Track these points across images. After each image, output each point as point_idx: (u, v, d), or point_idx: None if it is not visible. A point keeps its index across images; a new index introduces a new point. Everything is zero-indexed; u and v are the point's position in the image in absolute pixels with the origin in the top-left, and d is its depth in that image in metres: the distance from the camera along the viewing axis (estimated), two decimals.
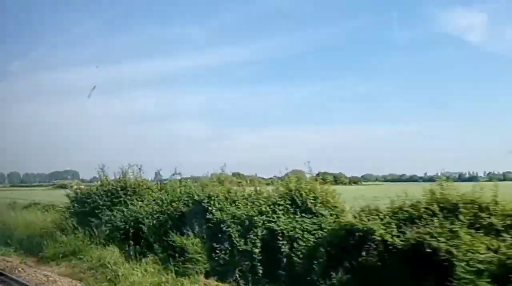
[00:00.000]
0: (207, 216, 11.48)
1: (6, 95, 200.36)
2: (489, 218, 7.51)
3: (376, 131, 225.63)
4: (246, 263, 10.34)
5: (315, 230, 9.75)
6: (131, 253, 12.52)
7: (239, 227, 10.79)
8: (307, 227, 9.82)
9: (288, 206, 10.55)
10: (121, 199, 14.78)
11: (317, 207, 10.23)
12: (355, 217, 9.27)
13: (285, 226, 10.02)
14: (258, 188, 11.99)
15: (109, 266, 11.63)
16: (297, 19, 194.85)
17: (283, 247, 9.79)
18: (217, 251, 10.81)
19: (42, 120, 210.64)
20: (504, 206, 7.66)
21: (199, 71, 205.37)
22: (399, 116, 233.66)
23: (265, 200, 11.14)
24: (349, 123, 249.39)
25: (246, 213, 10.91)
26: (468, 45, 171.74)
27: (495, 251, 6.97)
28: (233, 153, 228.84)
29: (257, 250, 10.21)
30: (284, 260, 9.77)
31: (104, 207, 14.83)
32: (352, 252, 8.74)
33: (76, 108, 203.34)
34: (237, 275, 10.40)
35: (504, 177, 61.24)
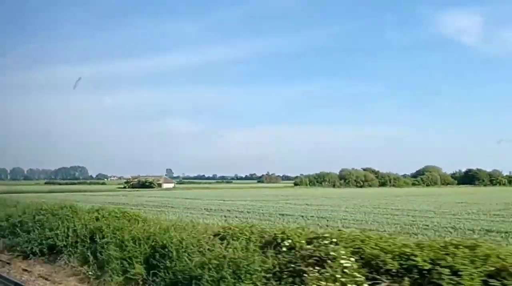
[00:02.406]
0: None
1: (3, 89, 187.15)
2: None
3: (368, 132, 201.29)
4: None
5: None
6: None
7: None
8: None
9: None
10: None
11: None
12: None
13: None
14: None
15: None
16: (291, 20, 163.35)
17: None
18: None
19: (38, 115, 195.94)
20: None
21: (192, 69, 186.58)
22: (393, 117, 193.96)
23: None
24: (340, 122, 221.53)
25: None
26: (463, 47, 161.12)
27: None
28: (226, 150, 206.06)
29: None
30: None
31: None
32: None
33: (74, 104, 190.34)
34: None
35: None
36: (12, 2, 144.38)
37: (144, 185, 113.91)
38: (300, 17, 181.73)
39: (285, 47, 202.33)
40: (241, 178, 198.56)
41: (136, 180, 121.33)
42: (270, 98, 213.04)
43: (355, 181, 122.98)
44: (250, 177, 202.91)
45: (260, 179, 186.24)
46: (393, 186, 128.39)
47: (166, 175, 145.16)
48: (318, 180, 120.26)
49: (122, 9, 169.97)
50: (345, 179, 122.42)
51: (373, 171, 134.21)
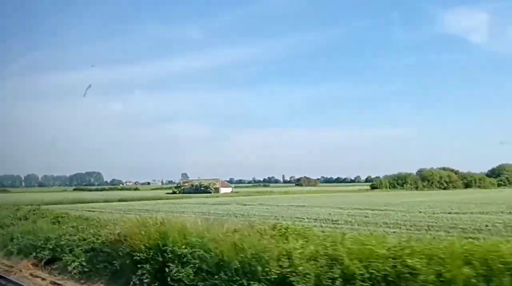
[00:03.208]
0: None
1: (15, 96, 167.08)
2: None
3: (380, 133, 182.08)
4: None
5: None
6: None
7: None
8: None
9: None
10: None
11: None
12: None
13: None
14: None
15: None
16: (296, 21, 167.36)
17: None
18: None
19: (51, 121, 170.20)
20: None
21: (198, 72, 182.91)
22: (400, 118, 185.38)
23: None
24: (349, 124, 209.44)
25: None
26: (471, 45, 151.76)
27: None
28: (234, 153, 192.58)
29: None
30: None
31: None
32: None
33: (85, 110, 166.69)
34: None
35: None
36: (20, 8, 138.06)
37: (199, 189, 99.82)
38: (305, 17, 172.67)
39: (293, 49, 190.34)
40: (258, 181, 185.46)
41: (187, 183, 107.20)
42: (282, 100, 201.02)
43: (438, 182, 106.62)
44: (269, 180, 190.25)
45: (298, 183, 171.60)
46: (479, 187, 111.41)
47: (181, 178, 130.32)
48: (398, 181, 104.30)
49: (129, 15, 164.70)
50: (428, 180, 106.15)
51: (452, 170, 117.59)
